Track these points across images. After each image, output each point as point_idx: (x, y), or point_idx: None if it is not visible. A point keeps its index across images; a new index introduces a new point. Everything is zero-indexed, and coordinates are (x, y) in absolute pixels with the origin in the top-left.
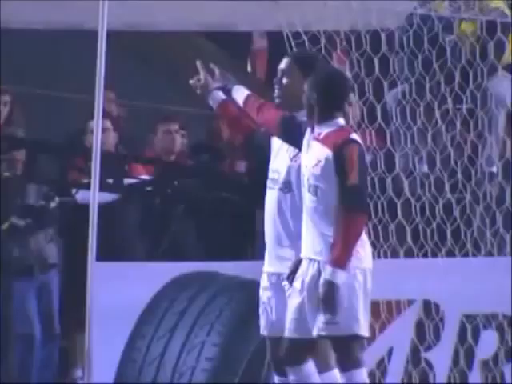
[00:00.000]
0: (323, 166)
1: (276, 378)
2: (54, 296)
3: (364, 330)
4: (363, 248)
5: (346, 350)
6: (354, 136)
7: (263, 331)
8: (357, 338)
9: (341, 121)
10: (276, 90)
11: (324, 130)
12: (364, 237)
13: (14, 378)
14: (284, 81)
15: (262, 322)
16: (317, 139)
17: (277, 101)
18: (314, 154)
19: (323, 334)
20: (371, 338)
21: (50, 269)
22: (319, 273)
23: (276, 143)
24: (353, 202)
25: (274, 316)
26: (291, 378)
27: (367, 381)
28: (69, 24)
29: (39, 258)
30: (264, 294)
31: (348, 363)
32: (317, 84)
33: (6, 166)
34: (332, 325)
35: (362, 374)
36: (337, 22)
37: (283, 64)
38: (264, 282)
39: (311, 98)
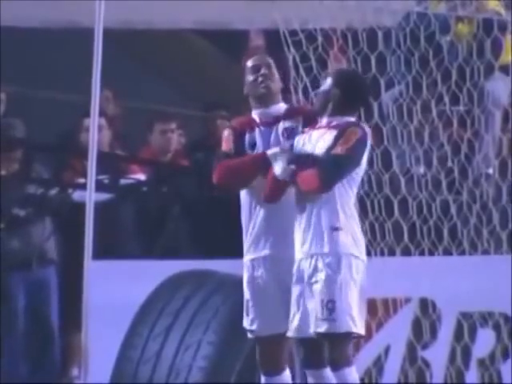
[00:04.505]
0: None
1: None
2: (52, 295)
3: (360, 329)
4: (359, 241)
5: (340, 349)
6: (363, 124)
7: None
8: (351, 336)
9: (352, 118)
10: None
11: (334, 121)
12: (360, 234)
13: (7, 375)
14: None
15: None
16: (325, 127)
17: (262, 91)
18: (323, 139)
19: (321, 331)
20: (368, 336)
21: (48, 264)
22: (316, 269)
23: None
24: (323, 170)
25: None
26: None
27: (357, 379)
28: (64, 22)
29: (38, 250)
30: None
31: (340, 362)
32: (341, 82)
33: (2, 165)
34: (329, 322)
35: (353, 372)
36: (333, 19)
37: (263, 58)
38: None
39: (332, 93)
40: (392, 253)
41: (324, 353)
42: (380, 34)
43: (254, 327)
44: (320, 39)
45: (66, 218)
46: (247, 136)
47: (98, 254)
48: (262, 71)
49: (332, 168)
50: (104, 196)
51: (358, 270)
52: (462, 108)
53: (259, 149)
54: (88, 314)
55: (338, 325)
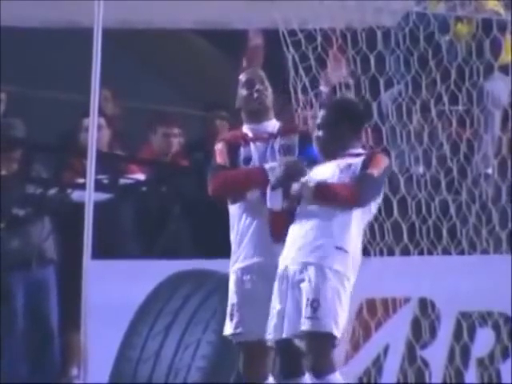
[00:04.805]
0: (353, 170)
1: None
2: (51, 294)
3: (338, 331)
4: (357, 262)
5: (322, 352)
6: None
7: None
8: (333, 339)
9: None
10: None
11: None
12: (359, 255)
13: (7, 375)
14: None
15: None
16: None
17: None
18: (342, 163)
19: (303, 328)
20: (367, 336)
21: (47, 264)
22: (306, 270)
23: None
24: (361, 185)
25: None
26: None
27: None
28: (64, 22)
29: (37, 250)
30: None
31: (323, 368)
32: (347, 114)
33: (2, 164)
34: (312, 320)
35: (338, 378)
36: (333, 19)
37: (256, 72)
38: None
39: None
40: (391, 253)
41: (301, 360)
42: (379, 34)
43: (239, 330)
44: (319, 39)
45: (65, 217)
46: (242, 150)
47: (98, 254)
48: (257, 86)
49: (367, 185)
50: (103, 196)
51: (346, 287)
52: (461, 108)
53: (255, 163)
54: (87, 313)
55: (321, 323)
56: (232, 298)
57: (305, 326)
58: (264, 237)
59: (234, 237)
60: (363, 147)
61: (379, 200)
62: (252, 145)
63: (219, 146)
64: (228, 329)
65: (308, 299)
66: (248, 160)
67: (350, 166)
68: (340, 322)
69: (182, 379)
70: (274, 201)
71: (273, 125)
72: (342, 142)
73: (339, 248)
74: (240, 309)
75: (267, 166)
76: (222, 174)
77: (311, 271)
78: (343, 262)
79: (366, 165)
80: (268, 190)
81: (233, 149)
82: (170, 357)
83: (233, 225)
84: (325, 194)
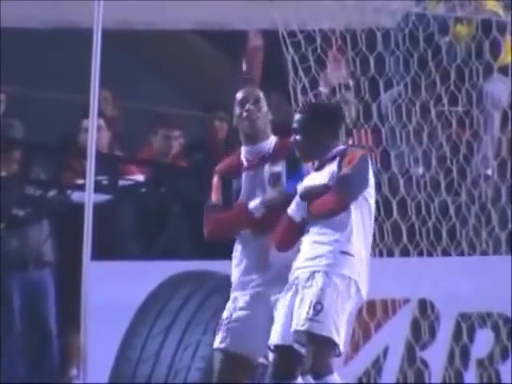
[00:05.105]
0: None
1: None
2: (48, 296)
3: (340, 343)
4: (362, 260)
5: (320, 356)
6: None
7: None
8: (333, 345)
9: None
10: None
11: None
12: (367, 258)
13: (6, 376)
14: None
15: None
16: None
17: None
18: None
19: (302, 329)
20: (367, 337)
21: (44, 266)
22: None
23: None
24: (338, 190)
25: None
26: None
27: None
28: (63, 23)
29: (35, 251)
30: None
31: (320, 370)
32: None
33: (1, 165)
34: (313, 322)
35: (335, 377)
36: (332, 20)
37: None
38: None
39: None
40: (391, 254)
41: (295, 364)
42: (379, 35)
43: (224, 344)
44: (319, 40)
45: (64, 218)
46: (234, 182)
47: (97, 255)
48: (247, 106)
49: (344, 187)
50: (103, 197)
51: (352, 294)
52: (460, 109)
53: (244, 196)
54: (87, 314)
55: (321, 327)
56: (226, 311)
57: (304, 326)
58: (258, 263)
59: (235, 261)
60: (351, 146)
61: (370, 191)
62: (243, 174)
63: (214, 180)
64: (215, 342)
65: (312, 302)
66: (239, 192)
67: (332, 173)
68: (340, 329)
69: (181, 380)
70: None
71: (268, 145)
72: (320, 143)
73: (344, 253)
74: (230, 323)
75: (251, 205)
76: (212, 217)
77: (318, 278)
78: (349, 266)
79: (340, 167)
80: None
81: (226, 182)
82: (170, 357)
83: (234, 251)
84: (312, 212)
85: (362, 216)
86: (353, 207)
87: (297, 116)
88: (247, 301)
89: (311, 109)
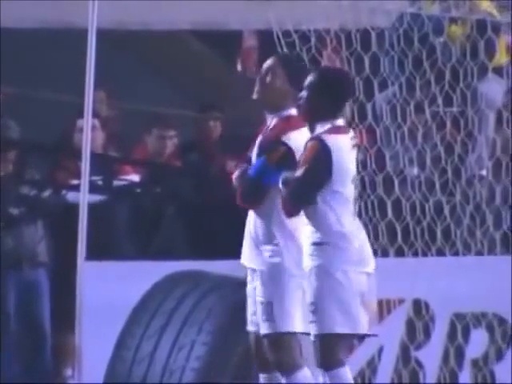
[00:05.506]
0: None
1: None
2: (43, 296)
3: (344, 328)
4: (350, 248)
5: (326, 352)
6: (325, 135)
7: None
8: (336, 336)
9: (339, 122)
10: (257, 87)
11: (319, 130)
12: (353, 238)
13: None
14: (267, 79)
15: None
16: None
17: (255, 96)
18: None
19: (302, 331)
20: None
21: (39, 266)
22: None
23: None
24: (286, 195)
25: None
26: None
27: (351, 379)
28: (59, 23)
29: (30, 251)
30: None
31: (330, 364)
32: (318, 84)
33: None
34: (312, 323)
35: (347, 372)
36: (327, 20)
37: (268, 62)
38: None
39: (313, 99)
40: (385, 254)
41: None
42: (373, 35)
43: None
44: (313, 40)
45: (59, 219)
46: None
47: (92, 255)
48: (259, 76)
49: (293, 195)
50: (97, 197)
51: (343, 283)
52: (455, 109)
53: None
54: (82, 314)
55: (320, 326)
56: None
57: (311, 330)
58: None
59: None
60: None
61: (337, 178)
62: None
63: None
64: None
65: (307, 303)
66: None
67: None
68: (339, 317)
69: (176, 380)
70: None
71: (271, 120)
72: (317, 110)
73: (317, 243)
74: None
75: (234, 175)
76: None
77: (312, 276)
78: (325, 256)
79: (299, 161)
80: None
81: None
82: (165, 358)
83: None
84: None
85: (330, 207)
86: (319, 200)
87: (310, 76)
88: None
89: (322, 73)
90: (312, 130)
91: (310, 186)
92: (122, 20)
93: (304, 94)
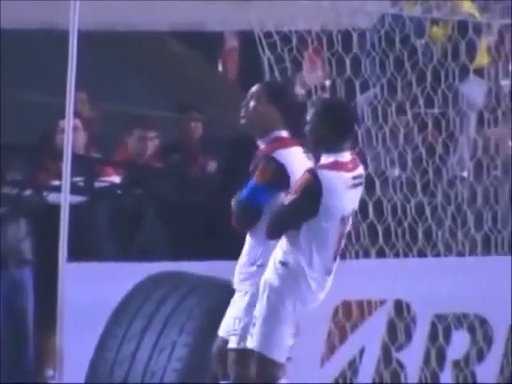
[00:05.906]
0: None
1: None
2: (28, 295)
3: (280, 356)
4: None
5: (260, 368)
6: (323, 169)
7: None
8: (270, 360)
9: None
10: (242, 112)
11: (322, 161)
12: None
13: None
14: (251, 104)
15: None
16: None
17: (242, 121)
18: None
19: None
20: (343, 338)
21: (24, 265)
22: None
23: None
24: (271, 218)
25: None
26: None
27: None
28: (40, 24)
29: (14, 250)
30: None
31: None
32: (323, 115)
33: None
34: (249, 336)
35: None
36: (308, 21)
37: (252, 89)
38: None
39: (316, 130)
40: (367, 255)
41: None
42: (355, 36)
43: None
44: (295, 41)
45: (40, 219)
46: None
47: (73, 256)
48: (244, 101)
49: (276, 220)
50: (79, 198)
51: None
52: (436, 110)
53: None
54: (63, 315)
55: (251, 340)
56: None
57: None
58: None
59: None
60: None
61: (326, 212)
62: None
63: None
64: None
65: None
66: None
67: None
68: (276, 341)
69: (157, 381)
70: None
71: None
72: (319, 142)
73: (282, 263)
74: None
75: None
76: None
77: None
78: (285, 277)
79: (291, 188)
80: None
81: None
82: (146, 359)
83: None
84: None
85: (309, 239)
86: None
87: (310, 110)
88: None
89: (322, 106)
90: (317, 159)
91: (293, 216)
92: (104, 21)
93: (307, 126)
